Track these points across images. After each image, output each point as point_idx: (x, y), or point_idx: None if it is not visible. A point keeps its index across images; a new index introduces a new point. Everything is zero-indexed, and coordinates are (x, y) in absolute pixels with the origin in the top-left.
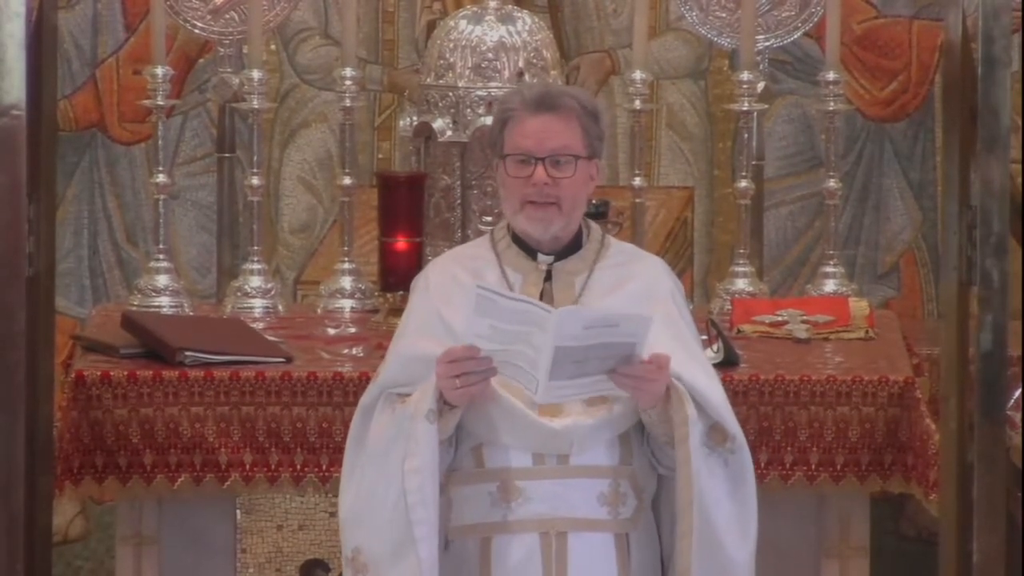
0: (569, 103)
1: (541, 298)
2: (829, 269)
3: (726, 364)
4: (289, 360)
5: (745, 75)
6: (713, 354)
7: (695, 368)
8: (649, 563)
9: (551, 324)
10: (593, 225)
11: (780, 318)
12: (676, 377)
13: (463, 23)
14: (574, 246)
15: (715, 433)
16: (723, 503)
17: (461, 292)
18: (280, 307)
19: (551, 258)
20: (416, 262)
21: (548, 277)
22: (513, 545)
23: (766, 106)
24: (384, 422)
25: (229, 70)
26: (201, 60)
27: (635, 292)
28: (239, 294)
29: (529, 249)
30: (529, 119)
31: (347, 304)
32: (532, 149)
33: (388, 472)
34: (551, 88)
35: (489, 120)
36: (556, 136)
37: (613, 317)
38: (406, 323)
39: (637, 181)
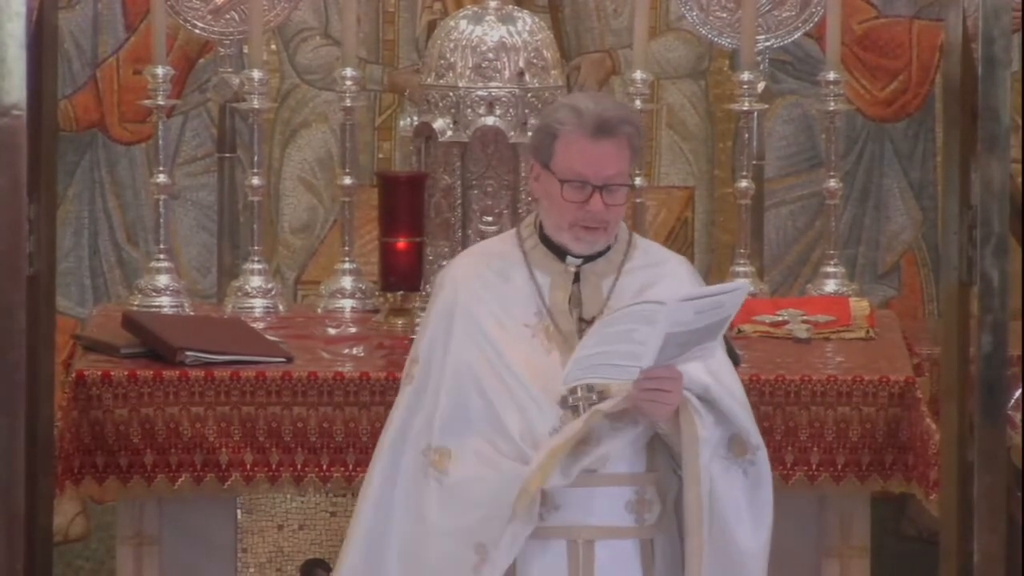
0: (626, 130)
1: (569, 301)
2: (829, 269)
3: None
4: (290, 360)
5: (745, 75)
6: None
7: (723, 375)
8: (672, 564)
9: (662, 316)
10: (621, 225)
11: (780, 318)
12: (704, 386)
13: (463, 23)
14: (602, 248)
15: (736, 444)
16: (743, 516)
17: (489, 293)
18: (280, 307)
19: (580, 260)
20: (417, 262)
21: (576, 279)
22: (539, 552)
23: (766, 106)
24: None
25: (230, 70)
26: (201, 60)
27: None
28: (239, 294)
29: (558, 250)
30: (587, 143)
31: (348, 304)
32: (589, 176)
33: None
34: (607, 110)
35: (490, 120)
36: (612, 164)
37: (720, 298)
38: (442, 340)
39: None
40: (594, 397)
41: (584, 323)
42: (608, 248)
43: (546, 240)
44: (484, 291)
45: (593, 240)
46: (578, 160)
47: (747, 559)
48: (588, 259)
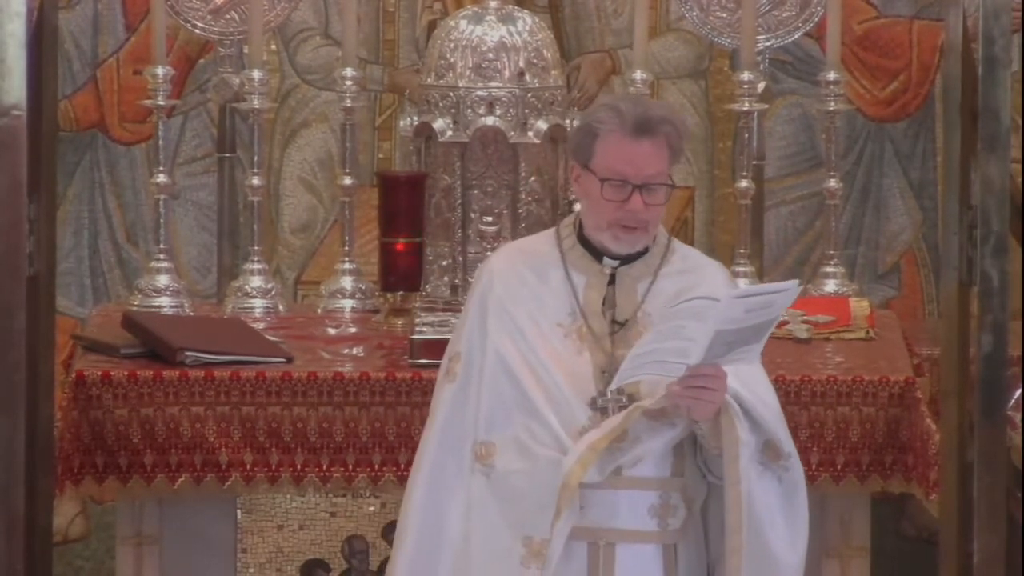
0: (666, 129)
1: (604, 303)
2: (829, 269)
3: None
4: (289, 360)
5: (746, 75)
6: None
7: (753, 383)
8: (696, 571)
9: (713, 313)
10: (660, 228)
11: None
12: (734, 393)
13: (464, 23)
14: (640, 250)
15: (769, 450)
16: (776, 520)
17: (526, 290)
18: (280, 307)
19: (616, 262)
20: (417, 262)
21: (611, 280)
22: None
23: (766, 106)
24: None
25: (230, 70)
26: (201, 60)
27: None
28: (239, 294)
29: (595, 251)
30: (628, 143)
31: (347, 304)
32: (630, 175)
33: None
34: (649, 110)
35: (490, 120)
36: (652, 163)
37: (770, 297)
38: (479, 334)
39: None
40: (623, 400)
41: (617, 325)
42: (646, 251)
43: (584, 241)
44: (521, 287)
45: (633, 240)
46: (618, 159)
47: (782, 569)
48: (625, 261)
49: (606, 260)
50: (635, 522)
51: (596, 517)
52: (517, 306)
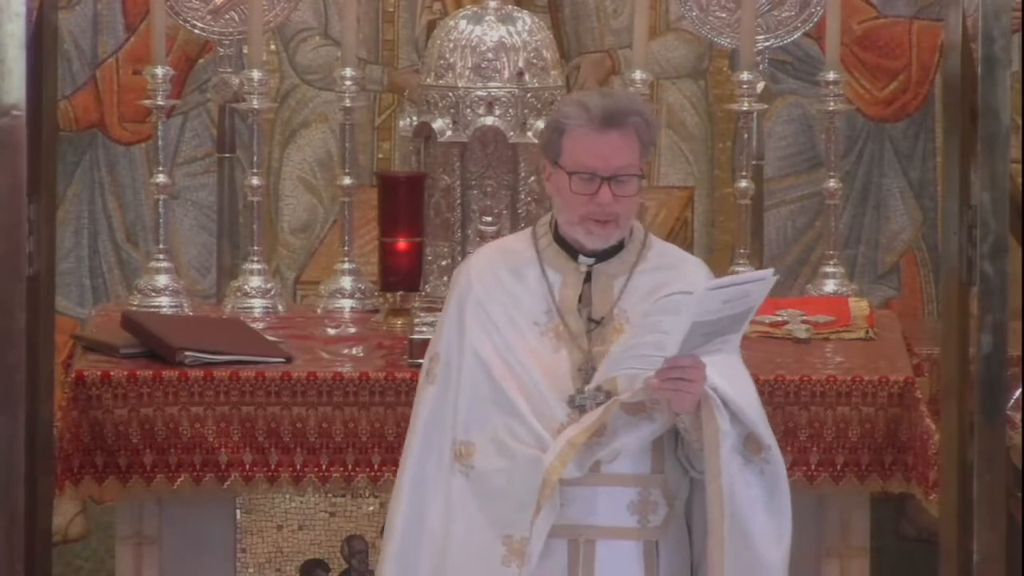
0: (634, 121)
1: (580, 300)
2: (829, 269)
3: None
4: (289, 360)
5: (745, 75)
6: None
7: (733, 377)
8: (678, 568)
9: (688, 304)
10: (636, 225)
11: (780, 318)
12: (714, 385)
13: (463, 23)
14: (616, 247)
15: (751, 443)
16: (758, 514)
17: (502, 289)
18: (280, 307)
19: (592, 260)
20: (416, 262)
21: (588, 278)
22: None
23: (766, 106)
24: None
25: (229, 70)
26: (201, 60)
27: None
28: (239, 294)
29: (571, 249)
30: (595, 136)
31: (347, 304)
32: (597, 168)
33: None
34: (615, 103)
35: (489, 120)
36: (620, 155)
37: (746, 287)
38: (458, 334)
39: None
40: (601, 396)
41: (593, 323)
42: (622, 247)
43: (560, 239)
44: (497, 287)
45: (606, 234)
46: (585, 152)
47: (766, 565)
48: (601, 258)
49: (581, 258)
50: (614, 519)
51: (575, 514)
52: (494, 305)
